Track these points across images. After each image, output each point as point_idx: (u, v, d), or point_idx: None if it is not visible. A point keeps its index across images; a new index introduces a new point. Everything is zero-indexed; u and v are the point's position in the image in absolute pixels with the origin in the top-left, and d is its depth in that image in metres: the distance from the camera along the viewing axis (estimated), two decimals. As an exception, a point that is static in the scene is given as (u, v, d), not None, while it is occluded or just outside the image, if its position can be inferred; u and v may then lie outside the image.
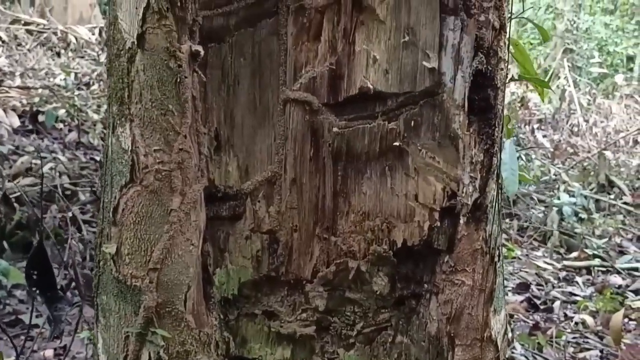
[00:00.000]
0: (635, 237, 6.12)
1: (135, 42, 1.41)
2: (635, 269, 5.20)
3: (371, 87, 1.52)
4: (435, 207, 1.58)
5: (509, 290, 4.57)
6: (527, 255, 5.46)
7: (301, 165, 1.57)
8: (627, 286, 4.86)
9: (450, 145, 1.56)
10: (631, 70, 13.15)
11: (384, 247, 1.60)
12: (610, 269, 5.19)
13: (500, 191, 1.65)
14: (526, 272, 5.04)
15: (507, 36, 1.57)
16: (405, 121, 1.55)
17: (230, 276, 1.61)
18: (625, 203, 6.80)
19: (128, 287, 1.49)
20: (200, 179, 1.50)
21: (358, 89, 1.52)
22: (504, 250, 5.11)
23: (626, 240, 6.02)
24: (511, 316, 3.98)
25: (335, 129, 1.53)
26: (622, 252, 5.66)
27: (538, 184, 6.95)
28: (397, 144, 1.55)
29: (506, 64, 1.57)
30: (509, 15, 1.69)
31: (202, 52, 1.44)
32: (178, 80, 1.42)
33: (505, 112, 1.69)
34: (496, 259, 1.65)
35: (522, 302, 4.42)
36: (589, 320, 3.97)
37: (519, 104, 9.26)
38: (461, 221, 1.59)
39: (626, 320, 4.04)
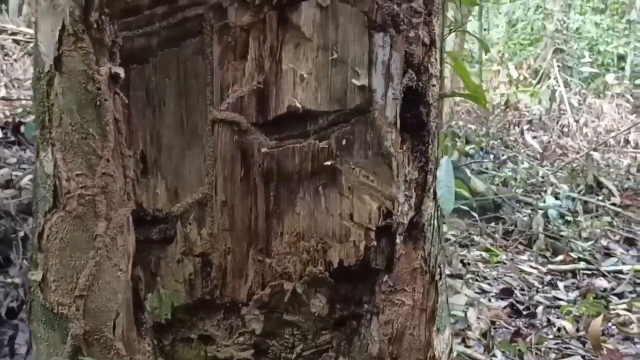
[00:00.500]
0: (622, 239, 6.08)
1: (53, 65, 1.38)
2: (621, 272, 5.15)
3: (299, 106, 1.48)
4: (371, 226, 1.55)
5: (492, 296, 4.53)
6: (512, 259, 5.42)
7: (232, 186, 1.53)
8: (612, 289, 4.81)
9: (383, 164, 1.53)
10: (622, 69, 13.08)
11: (319, 267, 1.57)
12: (595, 272, 5.15)
13: (438, 209, 1.61)
14: (511, 276, 5.00)
15: (440, 51, 1.53)
16: (337, 139, 1.52)
17: (163, 301, 1.58)
18: (613, 204, 6.75)
19: (55, 314, 1.45)
20: (127, 202, 1.47)
21: (286, 108, 1.49)
22: (487, 254, 5.09)
23: (613, 243, 5.98)
24: (493, 322, 3.94)
25: (264, 149, 1.49)
26: (608, 255, 5.61)
27: (523, 187, 6.91)
28: (328, 163, 1.51)
29: (438, 80, 1.53)
30: (449, 28, 1.66)
31: (123, 74, 1.41)
32: (97, 103, 1.39)
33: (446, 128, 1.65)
34: (437, 277, 1.62)
35: (505, 307, 4.38)
36: (569, 326, 3.93)
37: (504, 107, 9.23)
38: (398, 240, 1.56)
39: (609, 324, 4.00)
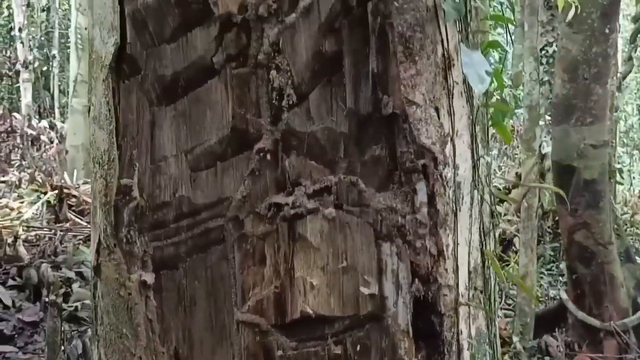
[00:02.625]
0: None
1: (93, 273, 1.58)
2: None
3: (311, 312, 1.52)
4: None
5: None
6: None
7: (255, 385, 1.59)
8: None
9: (399, 373, 1.49)
10: None
11: None
12: None
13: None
14: None
15: (453, 258, 1.49)
16: (352, 344, 1.52)
17: None
18: None
19: None
20: (160, 396, 1.60)
21: (299, 313, 1.53)
22: None
23: None
24: None
25: (280, 352, 1.54)
26: None
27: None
28: (344, 369, 1.51)
29: (452, 289, 1.48)
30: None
31: (153, 280, 1.56)
32: (129, 306, 1.55)
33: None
34: None
35: None
36: None
37: None
38: None
39: None
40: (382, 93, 1.52)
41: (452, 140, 1.58)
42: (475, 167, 1.70)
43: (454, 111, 1.58)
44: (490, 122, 1.85)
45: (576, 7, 5.30)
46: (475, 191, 1.72)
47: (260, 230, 1.55)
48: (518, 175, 9.12)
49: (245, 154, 1.58)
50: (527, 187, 6.20)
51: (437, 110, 1.52)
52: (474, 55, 1.51)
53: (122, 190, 1.59)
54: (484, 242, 1.75)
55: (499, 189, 10.29)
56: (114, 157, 1.57)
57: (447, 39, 1.55)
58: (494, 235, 1.79)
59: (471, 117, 1.69)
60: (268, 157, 1.57)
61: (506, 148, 13.62)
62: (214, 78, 1.56)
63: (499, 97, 1.90)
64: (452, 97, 1.57)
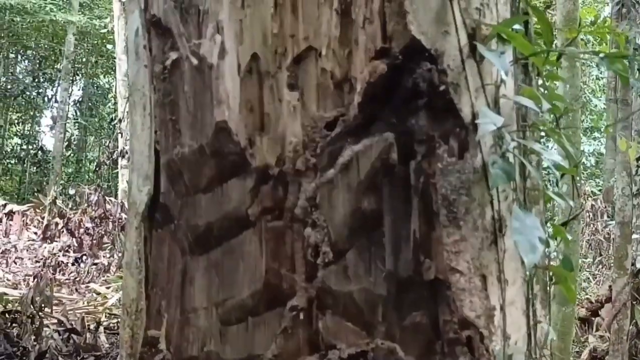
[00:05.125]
0: None
1: None
2: None
3: None
4: None
5: None
6: None
7: None
8: None
9: None
10: None
11: None
12: None
13: None
14: None
15: None
16: None
17: None
18: None
19: None
20: None
21: None
22: None
23: None
24: None
25: None
26: None
27: None
28: None
29: None
30: None
31: None
32: None
33: None
34: None
35: None
36: None
37: None
38: None
39: None
40: (424, 256, 1.40)
41: (502, 309, 1.43)
42: (530, 335, 1.54)
43: (504, 278, 1.44)
44: (552, 280, 1.70)
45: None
46: (531, 362, 1.55)
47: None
48: (610, 289, 8.64)
49: (278, 310, 1.49)
50: (617, 308, 5.84)
51: (483, 278, 1.40)
52: (526, 220, 1.38)
53: (148, 341, 1.52)
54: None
55: (591, 302, 9.76)
56: (142, 307, 1.51)
57: (499, 200, 1.43)
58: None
59: (527, 280, 1.55)
60: (301, 315, 1.47)
61: (602, 257, 13.01)
62: (248, 230, 1.49)
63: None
64: (503, 262, 1.44)
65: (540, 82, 1.89)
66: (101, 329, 7.81)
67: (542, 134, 1.82)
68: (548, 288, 1.72)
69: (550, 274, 1.70)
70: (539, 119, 1.72)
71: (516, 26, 1.60)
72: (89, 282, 11.72)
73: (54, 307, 7.92)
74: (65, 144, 25.66)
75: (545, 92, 1.82)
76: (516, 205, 1.45)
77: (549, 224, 1.87)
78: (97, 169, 23.43)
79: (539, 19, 1.78)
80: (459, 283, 1.37)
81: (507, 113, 1.52)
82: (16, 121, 30.56)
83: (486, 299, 1.38)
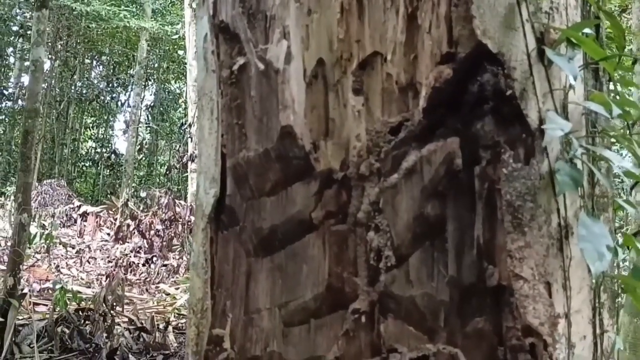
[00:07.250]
0: None
1: None
2: None
3: None
4: None
5: None
6: None
7: None
8: None
9: None
10: None
11: None
12: None
13: None
14: None
15: None
16: None
17: None
18: None
19: None
20: None
21: None
22: None
23: None
24: None
25: None
26: None
27: None
28: None
29: None
30: None
31: None
32: None
33: None
34: None
35: None
36: None
37: None
38: None
39: None
40: (488, 263, 1.39)
41: (567, 317, 1.41)
42: (596, 344, 1.51)
43: (570, 285, 1.41)
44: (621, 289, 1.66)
45: None
46: (598, 372, 1.52)
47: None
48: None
49: (340, 313, 1.50)
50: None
51: (548, 285, 1.37)
52: (594, 228, 1.35)
53: (213, 340, 1.55)
54: None
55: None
56: (207, 306, 1.54)
57: (565, 207, 1.41)
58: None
59: (594, 289, 1.51)
60: (363, 318, 1.48)
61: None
62: (311, 233, 1.51)
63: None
64: (569, 270, 1.41)
65: (612, 87, 1.85)
66: (170, 328, 7.96)
67: (613, 140, 1.78)
68: (617, 298, 1.68)
69: (620, 283, 1.66)
70: (609, 125, 1.68)
71: (587, 30, 1.57)
72: (158, 283, 11.98)
73: (125, 306, 8.13)
74: (137, 147, 26.34)
75: (617, 97, 1.77)
76: (583, 213, 1.42)
77: (619, 233, 1.82)
78: (167, 172, 23.97)
79: (611, 23, 1.75)
80: (523, 290, 1.35)
81: (575, 119, 1.49)
82: (91, 125, 31.59)
83: (550, 306, 1.36)
